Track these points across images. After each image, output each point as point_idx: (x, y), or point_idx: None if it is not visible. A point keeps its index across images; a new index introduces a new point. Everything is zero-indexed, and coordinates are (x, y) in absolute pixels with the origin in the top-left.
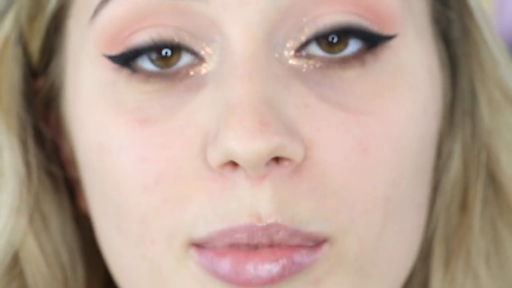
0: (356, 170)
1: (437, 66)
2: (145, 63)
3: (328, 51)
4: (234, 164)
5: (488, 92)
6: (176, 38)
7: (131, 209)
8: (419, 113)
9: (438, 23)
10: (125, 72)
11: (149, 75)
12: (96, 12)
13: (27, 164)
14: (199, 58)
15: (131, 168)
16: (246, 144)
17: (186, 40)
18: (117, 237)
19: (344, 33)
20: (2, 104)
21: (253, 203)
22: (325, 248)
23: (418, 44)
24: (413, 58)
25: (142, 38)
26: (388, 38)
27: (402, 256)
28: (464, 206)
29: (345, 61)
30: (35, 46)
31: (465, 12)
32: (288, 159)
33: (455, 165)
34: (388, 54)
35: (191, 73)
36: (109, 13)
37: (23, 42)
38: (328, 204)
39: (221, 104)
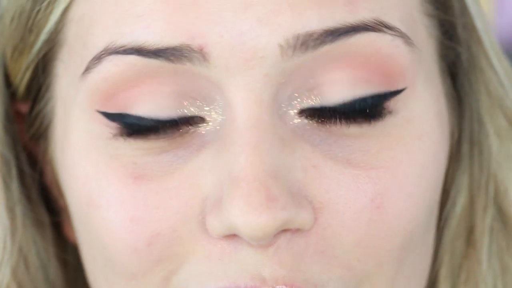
0: (369, 227)
1: (445, 106)
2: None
3: None
4: (235, 235)
5: (495, 121)
6: (178, 109)
7: (119, 266)
8: (429, 160)
9: (445, 58)
10: (119, 127)
11: (147, 131)
12: (88, 68)
13: (11, 212)
14: (199, 117)
15: (120, 228)
16: (252, 222)
17: (186, 106)
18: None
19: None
20: None
21: (257, 267)
22: None
23: (427, 90)
24: (422, 106)
25: (141, 110)
26: (397, 92)
27: None
28: (470, 239)
29: (350, 117)
30: (22, 81)
31: (473, 40)
32: (295, 229)
33: (462, 198)
34: (396, 106)
35: (191, 130)
36: (103, 72)
37: (5, 73)
38: (338, 263)
39: (223, 171)
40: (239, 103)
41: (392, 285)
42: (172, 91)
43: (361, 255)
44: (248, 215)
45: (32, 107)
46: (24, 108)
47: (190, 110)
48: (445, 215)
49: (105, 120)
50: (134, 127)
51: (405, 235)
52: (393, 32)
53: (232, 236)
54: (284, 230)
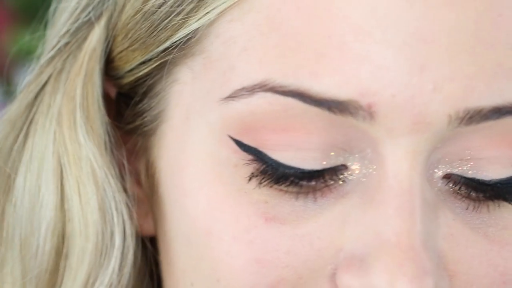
0: None
1: None
2: None
3: None
4: None
5: None
6: (322, 160)
7: None
8: None
9: None
10: (252, 165)
11: (281, 179)
12: (233, 95)
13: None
14: (343, 165)
15: (243, 267)
16: None
17: (332, 157)
18: None
19: None
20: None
21: None
22: None
23: None
24: None
25: (282, 157)
26: None
27: None
28: None
29: (500, 196)
30: (132, 74)
31: None
32: None
33: None
34: None
35: (332, 182)
36: (252, 106)
37: (112, 58)
38: None
39: (367, 229)
40: (395, 162)
41: None
42: (321, 142)
43: None
44: (401, 285)
45: (128, 98)
46: (112, 91)
47: (336, 161)
48: None
49: (235, 147)
50: (268, 170)
51: None
52: None
53: None
54: None
